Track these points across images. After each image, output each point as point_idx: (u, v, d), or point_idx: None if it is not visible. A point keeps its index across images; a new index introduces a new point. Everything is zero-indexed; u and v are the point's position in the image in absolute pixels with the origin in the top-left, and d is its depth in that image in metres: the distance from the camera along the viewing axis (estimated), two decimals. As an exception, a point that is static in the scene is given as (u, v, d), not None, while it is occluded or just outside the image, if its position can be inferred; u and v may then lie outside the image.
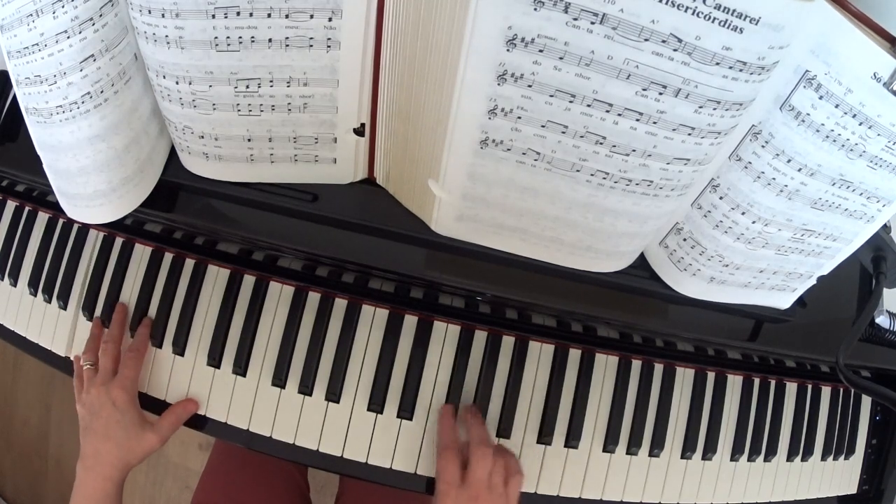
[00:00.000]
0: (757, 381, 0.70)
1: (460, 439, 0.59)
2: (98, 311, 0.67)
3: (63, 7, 0.41)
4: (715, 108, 0.39)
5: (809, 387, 0.73)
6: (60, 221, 0.71)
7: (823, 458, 0.73)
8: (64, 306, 0.69)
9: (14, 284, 0.72)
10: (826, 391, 0.74)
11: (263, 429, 0.63)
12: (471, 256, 0.56)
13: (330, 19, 0.43)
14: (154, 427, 0.61)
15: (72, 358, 0.67)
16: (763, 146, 0.43)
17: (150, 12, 0.42)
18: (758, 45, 0.36)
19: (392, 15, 0.43)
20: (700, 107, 0.39)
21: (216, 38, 0.43)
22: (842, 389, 0.75)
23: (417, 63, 0.43)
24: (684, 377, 0.68)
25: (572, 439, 0.64)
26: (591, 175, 0.44)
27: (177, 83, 0.46)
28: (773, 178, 0.44)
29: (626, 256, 0.54)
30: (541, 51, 0.37)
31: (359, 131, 0.51)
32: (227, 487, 0.81)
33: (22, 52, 0.43)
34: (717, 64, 0.36)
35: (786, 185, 0.45)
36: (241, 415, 0.64)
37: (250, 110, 0.48)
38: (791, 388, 0.72)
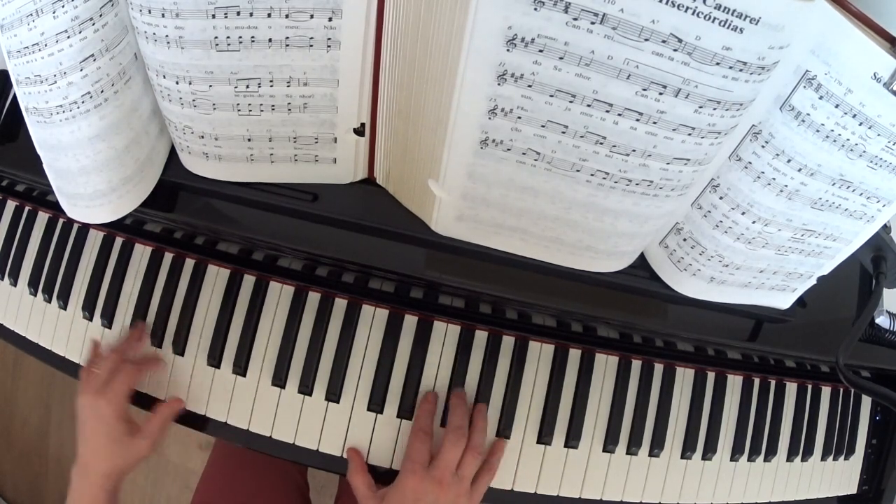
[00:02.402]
0: (757, 381, 0.70)
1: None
2: (98, 311, 0.67)
3: (63, 7, 0.41)
4: (715, 108, 0.39)
5: (809, 387, 0.73)
6: (60, 221, 0.71)
7: (823, 458, 0.73)
8: (64, 306, 0.69)
9: (14, 284, 0.72)
10: (826, 391, 0.74)
11: (263, 429, 0.63)
12: (471, 256, 0.56)
13: (330, 19, 0.43)
14: (143, 433, 0.60)
15: (80, 361, 0.66)
16: (763, 146, 0.43)
17: (150, 12, 0.42)
18: (758, 45, 0.36)
19: (392, 15, 0.43)
20: (700, 107, 0.39)
21: (216, 37, 0.43)
22: (842, 389, 0.75)
23: (417, 63, 0.43)
24: (684, 377, 0.68)
25: (572, 439, 0.64)
26: (591, 175, 0.44)
27: (177, 83, 0.46)
28: (773, 178, 0.45)
29: (625, 256, 0.54)
30: (541, 51, 0.37)
31: (359, 131, 0.51)
32: (227, 487, 0.81)
33: (22, 52, 0.43)
34: (718, 64, 0.36)
35: (786, 185, 0.45)
36: (241, 415, 0.64)
37: (250, 110, 0.48)
38: (791, 388, 0.72)
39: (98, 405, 0.58)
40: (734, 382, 0.70)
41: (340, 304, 0.64)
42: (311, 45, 0.44)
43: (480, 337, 0.65)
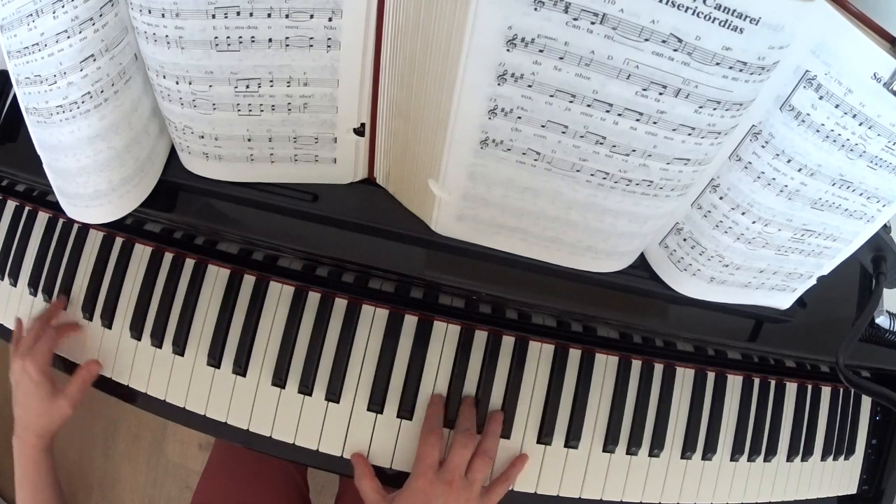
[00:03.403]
0: (757, 381, 0.70)
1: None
2: (98, 311, 0.67)
3: (63, 7, 0.41)
4: (715, 109, 0.39)
5: (809, 387, 0.73)
6: (60, 221, 0.71)
7: (823, 458, 0.73)
8: (64, 307, 0.69)
9: (14, 284, 0.72)
10: (826, 391, 0.74)
11: (263, 429, 0.63)
12: (471, 256, 0.56)
13: (330, 19, 0.43)
14: (64, 394, 0.65)
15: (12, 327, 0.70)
16: (763, 146, 0.43)
17: (150, 12, 0.42)
18: (758, 45, 0.36)
19: (392, 15, 0.43)
20: (700, 107, 0.39)
21: (216, 38, 0.43)
22: (842, 389, 0.75)
23: (417, 63, 0.43)
24: (684, 377, 0.68)
25: (572, 439, 0.64)
26: (591, 175, 0.44)
27: (177, 83, 0.46)
28: (774, 179, 0.45)
29: (626, 256, 0.54)
30: (541, 51, 0.37)
31: (359, 131, 0.51)
32: (227, 487, 0.81)
33: (22, 52, 0.43)
34: (718, 64, 0.36)
35: (786, 186, 0.45)
36: (241, 415, 0.64)
37: (250, 110, 0.48)
38: (791, 388, 0.72)
39: (26, 365, 0.64)
40: (734, 382, 0.70)
41: (340, 304, 0.64)
42: (311, 46, 0.44)
43: (480, 337, 0.65)
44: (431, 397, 0.63)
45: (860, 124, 0.41)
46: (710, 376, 0.69)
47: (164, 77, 0.46)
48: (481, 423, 0.62)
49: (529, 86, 0.39)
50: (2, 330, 0.72)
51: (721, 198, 0.48)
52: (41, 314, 0.69)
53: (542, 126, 0.41)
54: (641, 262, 0.57)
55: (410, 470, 0.62)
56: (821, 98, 0.40)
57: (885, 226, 0.52)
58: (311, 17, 0.42)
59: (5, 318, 0.72)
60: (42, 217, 0.72)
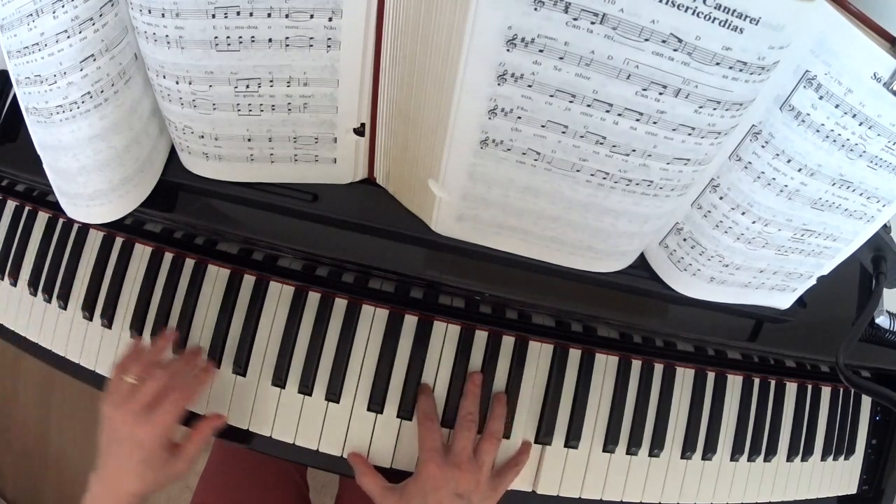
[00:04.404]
0: (757, 381, 0.70)
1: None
2: (98, 311, 0.67)
3: (63, 7, 0.41)
4: (715, 108, 0.39)
5: (809, 387, 0.73)
6: (60, 221, 0.71)
7: (823, 458, 0.73)
8: (64, 306, 0.69)
9: (14, 284, 0.71)
10: (826, 391, 0.74)
11: (263, 429, 0.63)
12: (471, 256, 0.56)
13: (330, 19, 0.43)
14: (181, 453, 0.56)
15: (112, 370, 0.59)
16: (763, 146, 0.43)
17: (150, 12, 0.42)
18: (758, 45, 0.36)
19: (392, 15, 0.43)
20: (700, 107, 0.39)
21: (216, 37, 0.43)
22: (842, 389, 0.75)
23: (417, 63, 0.43)
24: (684, 377, 0.68)
25: (572, 439, 0.64)
26: (592, 175, 0.44)
27: (177, 83, 0.46)
28: (774, 178, 0.45)
29: (626, 256, 0.54)
30: (541, 51, 0.37)
31: (359, 131, 0.51)
32: (227, 487, 0.81)
33: (22, 52, 0.43)
34: (718, 64, 0.36)
35: (786, 185, 0.45)
36: (241, 415, 0.64)
37: (250, 110, 0.48)
38: (791, 388, 0.72)
39: (141, 433, 0.53)
40: (734, 382, 0.70)
41: (340, 304, 0.64)
42: (311, 45, 0.44)
43: (480, 337, 0.65)
44: (419, 388, 0.63)
45: (860, 124, 0.41)
46: (710, 376, 0.69)
47: (164, 77, 0.46)
48: (482, 414, 0.62)
49: (529, 86, 0.39)
50: (1, 330, 0.72)
51: (721, 198, 0.48)
52: (173, 360, 0.57)
53: (542, 126, 0.41)
54: (641, 262, 0.57)
55: (411, 469, 0.62)
56: (821, 98, 0.40)
57: (885, 226, 0.52)
58: (311, 17, 0.42)
59: (5, 318, 0.72)
60: (42, 217, 0.71)
